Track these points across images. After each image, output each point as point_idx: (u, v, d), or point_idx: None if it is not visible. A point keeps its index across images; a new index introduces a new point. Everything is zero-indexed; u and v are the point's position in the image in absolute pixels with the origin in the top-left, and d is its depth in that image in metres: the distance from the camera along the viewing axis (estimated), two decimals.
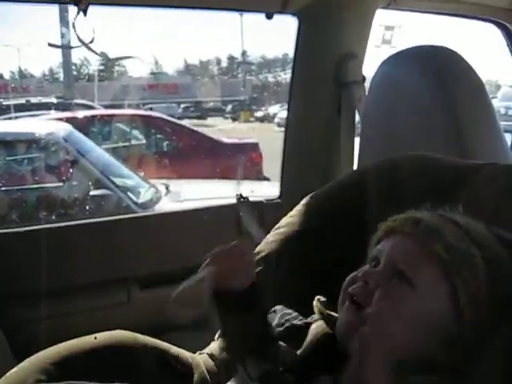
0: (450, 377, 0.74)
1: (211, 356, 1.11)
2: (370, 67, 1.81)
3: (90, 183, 2.94)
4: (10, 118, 4.04)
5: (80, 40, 1.34)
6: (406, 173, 1.09)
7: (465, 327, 0.76)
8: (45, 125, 3.40)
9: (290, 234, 1.13)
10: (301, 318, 0.92)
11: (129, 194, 2.89)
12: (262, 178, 4.00)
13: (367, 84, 1.79)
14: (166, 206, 2.68)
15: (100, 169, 2.95)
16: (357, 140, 1.78)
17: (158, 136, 4.61)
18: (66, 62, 5.09)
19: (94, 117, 4.26)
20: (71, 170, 3.01)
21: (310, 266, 1.08)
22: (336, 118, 1.83)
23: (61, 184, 3.04)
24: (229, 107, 7.88)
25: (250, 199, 1.77)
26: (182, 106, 7.47)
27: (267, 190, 2.12)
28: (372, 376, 0.74)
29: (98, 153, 3.31)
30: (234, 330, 0.87)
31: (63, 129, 3.16)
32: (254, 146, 4.53)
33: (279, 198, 1.83)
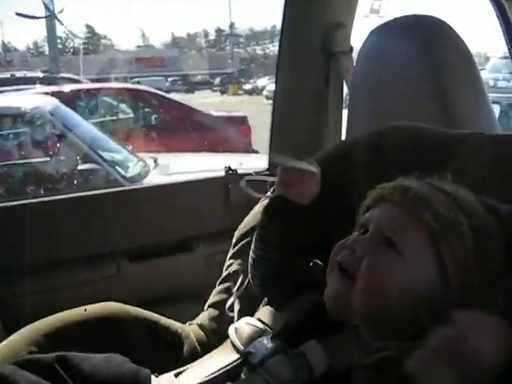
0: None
1: (201, 326, 1.12)
2: (358, 37, 1.80)
3: (77, 158, 2.92)
4: None
5: (47, 7, 1.32)
6: (394, 144, 1.09)
7: (452, 295, 0.77)
8: (30, 99, 3.36)
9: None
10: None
11: (117, 168, 2.87)
12: (251, 150, 3.99)
13: (355, 54, 1.78)
14: (154, 179, 2.67)
15: (87, 143, 2.93)
16: (345, 112, 1.78)
17: (146, 109, 4.58)
18: (51, 36, 5.01)
19: (80, 91, 4.21)
20: (58, 145, 2.98)
21: (298, 237, 1.09)
22: (324, 88, 1.82)
23: (48, 159, 3.02)
24: (217, 80, 7.81)
25: (239, 171, 1.78)
26: (170, 79, 7.39)
27: (256, 162, 2.11)
28: (360, 342, 0.76)
29: (86, 127, 3.28)
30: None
31: (49, 103, 3.13)
32: (243, 119, 4.51)
33: (268, 170, 1.83)
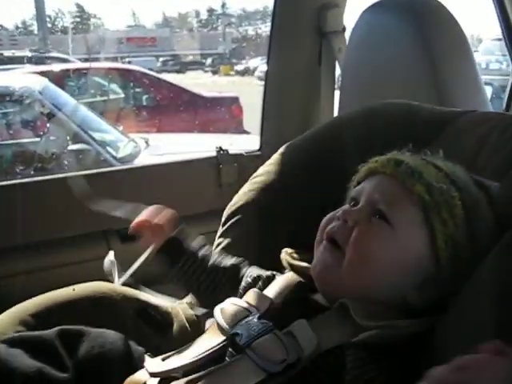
0: (424, 319, 0.76)
1: (190, 304, 1.12)
2: (350, 17, 1.78)
3: (67, 138, 2.90)
4: None
5: None
6: (386, 119, 1.09)
7: (441, 268, 0.77)
8: (19, 78, 3.31)
9: (267, 182, 1.13)
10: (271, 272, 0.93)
11: (107, 148, 2.86)
12: (243, 131, 3.98)
13: (348, 34, 1.77)
14: (145, 159, 2.66)
15: (78, 123, 2.90)
16: (337, 93, 1.77)
17: (137, 90, 4.54)
18: (40, 14, 4.94)
19: (70, 70, 4.16)
20: (48, 125, 2.95)
21: (288, 214, 1.09)
22: (316, 69, 1.81)
23: (38, 139, 2.99)
24: (208, 61, 7.75)
25: (230, 152, 1.77)
26: (161, 59, 7.33)
27: (247, 143, 2.10)
28: (348, 321, 0.76)
29: (76, 107, 3.25)
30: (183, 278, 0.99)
31: (38, 82, 3.09)
32: (234, 100, 4.49)
33: (259, 150, 1.82)
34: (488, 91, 2.42)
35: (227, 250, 1.08)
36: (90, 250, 1.59)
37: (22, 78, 3.31)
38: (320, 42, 1.79)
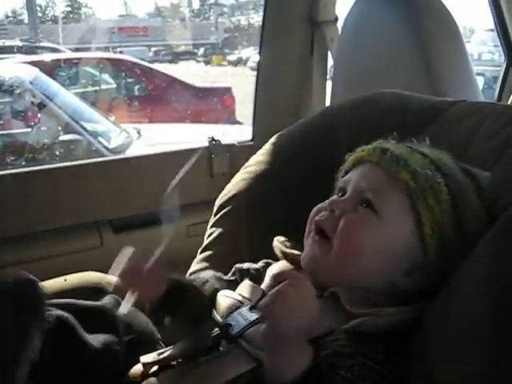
0: (414, 306, 0.77)
1: None
2: (343, 7, 1.77)
3: (59, 128, 2.88)
4: None
5: None
6: (378, 109, 1.09)
7: (429, 254, 0.78)
8: (9, 68, 3.28)
9: (259, 172, 1.13)
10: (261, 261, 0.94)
11: (99, 138, 2.84)
12: (235, 122, 3.97)
13: (340, 24, 1.76)
14: (137, 150, 2.65)
15: (69, 113, 2.88)
16: (329, 83, 1.77)
17: (129, 80, 4.51)
18: (30, 3, 4.89)
19: (62, 60, 4.12)
20: (39, 115, 2.93)
21: (280, 204, 1.09)
22: (308, 59, 1.80)
23: (29, 129, 2.97)
24: (201, 51, 7.70)
25: (222, 142, 1.77)
26: (153, 49, 7.28)
27: (240, 133, 2.10)
28: (338, 308, 0.76)
29: (67, 97, 3.23)
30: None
31: (29, 72, 3.06)
32: (227, 90, 4.47)
33: (252, 140, 1.82)
34: (480, 82, 2.42)
35: (219, 239, 1.08)
36: (82, 241, 1.59)
37: (13, 68, 3.27)
38: (312, 31, 1.79)
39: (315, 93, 1.82)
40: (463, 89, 1.46)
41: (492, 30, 2.23)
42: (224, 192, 1.16)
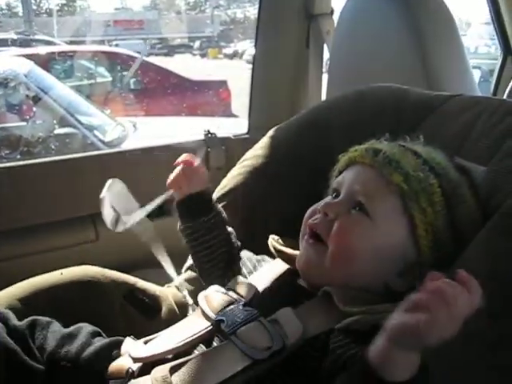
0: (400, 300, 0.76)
1: (179, 288, 1.12)
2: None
3: (54, 122, 2.86)
4: None
5: None
6: (374, 103, 1.09)
7: (423, 255, 0.78)
8: (4, 61, 3.26)
9: (256, 166, 1.13)
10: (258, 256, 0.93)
11: (95, 132, 2.83)
12: (231, 115, 3.96)
13: (336, 17, 1.76)
14: (133, 143, 2.64)
15: (64, 107, 2.87)
16: (325, 76, 1.76)
17: (124, 73, 4.49)
18: None
19: (57, 53, 4.10)
20: (34, 109, 2.92)
21: (276, 198, 1.08)
22: (304, 52, 1.80)
23: (24, 123, 2.96)
24: (196, 44, 7.68)
25: (218, 135, 1.76)
26: (149, 42, 7.25)
27: (235, 126, 2.09)
28: (332, 308, 0.76)
29: (62, 90, 3.21)
30: (198, 236, 0.96)
31: (24, 65, 3.04)
32: (223, 84, 4.46)
33: (247, 133, 1.82)
34: (476, 75, 2.42)
35: None
36: (77, 234, 1.59)
37: (7, 61, 3.25)
38: (308, 24, 1.78)
39: (311, 86, 1.82)
40: (460, 82, 1.46)
41: (488, 24, 2.23)
42: (220, 186, 1.15)
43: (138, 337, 0.89)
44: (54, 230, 1.54)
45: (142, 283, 1.09)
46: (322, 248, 0.80)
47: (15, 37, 4.45)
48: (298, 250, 0.85)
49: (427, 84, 1.34)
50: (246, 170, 1.13)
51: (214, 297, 0.83)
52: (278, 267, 0.88)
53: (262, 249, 0.94)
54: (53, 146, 2.72)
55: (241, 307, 0.80)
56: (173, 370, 0.73)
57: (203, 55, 7.57)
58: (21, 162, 1.63)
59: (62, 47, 4.51)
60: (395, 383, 0.56)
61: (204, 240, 0.96)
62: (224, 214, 1.00)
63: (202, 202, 0.97)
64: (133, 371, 0.78)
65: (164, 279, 1.19)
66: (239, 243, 0.99)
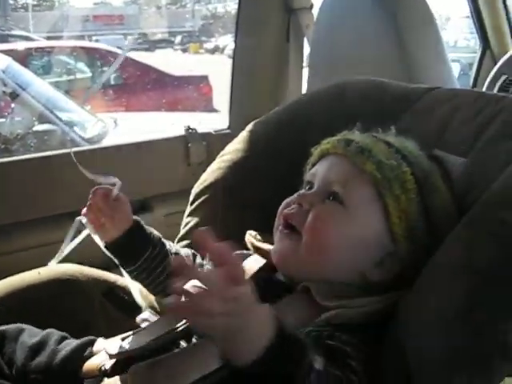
0: (387, 296, 0.77)
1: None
2: None
3: (33, 118, 2.83)
4: None
5: None
6: (353, 96, 1.09)
7: (397, 243, 0.78)
8: None
9: (235, 161, 1.12)
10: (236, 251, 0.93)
11: (75, 128, 2.80)
12: (212, 110, 3.95)
13: (315, 11, 1.75)
14: (113, 139, 2.62)
15: (43, 103, 2.83)
16: (306, 70, 1.76)
17: (105, 68, 4.45)
18: None
19: (35, 49, 4.05)
20: (12, 105, 2.88)
21: (256, 193, 1.08)
22: (284, 46, 1.79)
23: (2, 120, 2.92)
24: (177, 39, 7.63)
25: (199, 131, 1.75)
26: (129, 37, 7.19)
27: (217, 121, 2.09)
28: (311, 302, 0.76)
29: (41, 86, 3.17)
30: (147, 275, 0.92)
31: (1, 61, 3.00)
32: (204, 79, 4.44)
33: (228, 128, 1.81)
34: (456, 68, 2.44)
35: (196, 229, 1.07)
36: (57, 232, 1.55)
37: None
38: (288, 18, 1.78)
39: (291, 80, 1.82)
40: (438, 75, 1.47)
41: (468, 17, 2.25)
42: (200, 181, 1.15)
43: (118, 335, 0.88)
44: (33, 228, 1.52)
45: (122, 281, 1.08)
46: (297, 238, 0.80)
47: None
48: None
49: (406, 76, 1.35)
50: (225, 165, 1.12)
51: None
52: (255, 263, 0.87)
53: (241, 243, 0.93)
54: (32, 143, 2.69)
55: None
56: (151, 367, 0.73)
57: (184, 50, 7.52)
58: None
59: (41, 43, 4.45)
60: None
61: (156, 275, 0.92)
62: (156, 234, 0.94)
63: (139, 238, 0.91)
64: (105, 369, 0.78)
65: None
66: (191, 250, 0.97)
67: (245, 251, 0.93)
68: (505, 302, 0.66)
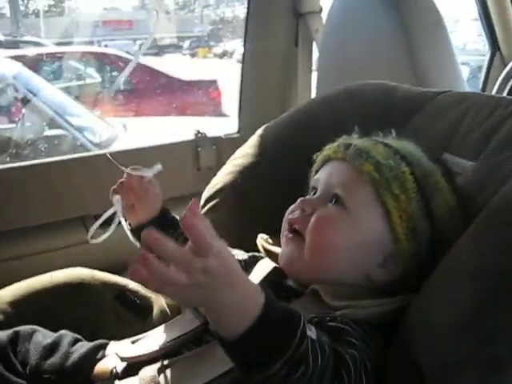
0: (396, 298, 0.77)
1: None
2: None
3: (44, 123, 2.85)
4: None
5: None
6: (363, 100, 1.09)
7: (399, 242, 0.79)
8: None
9: (246, 165, 1.13)
10: (248, 254, 0.93)
11: (85, 133, 2.82)
12: (221, 114, 3.96)
13: (324, 15, 1.76)
14: (123, 144, 2.63)
15: (54, 108, 2.85)
16: (315, 74, 1.76)
17: (114, 73, 4.47)
18: None
19: (46, 55, 4.07)
20: (23, 111, 2.90)
21: (266, 197, 1.08)
22: (293, 50, 1.80)
23: (13, 125, 2.94)
24: (186, 43, 7.65)
25: (208, 135, 1.76)
26: (138, 42, 7.22)
27: (226, 126, 2.09)
28: (320, 303, 0.76)
29: (52, 92, 3.19)
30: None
31: (12, 67, 3.02)
32: (213, 83, 4.45)
33: (237, 132, 1.82)
34: (465, 71, 2.43)
35: None
36: (67, 237, 1.57)
37: None
38: (297, 23, 1.78)
39: (301, 84, 1.82)
40: (448, 79, 1.46)
41: (476, 20, 2.24)
42: (210, 185, 1.15)
43: (129, 338, 0.89)
44: (44, 233, 1.53)
45: (133, 284, 1.09)
46: (301, 242, 0.81)
47: (2, 38, 4.41)
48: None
49: (416, 80, 1.35)
50: (236, 169, 1.13)
51: None
52: (266, 267, 0.88)
53: (252, 247, 0.93)
54: (42, 148, 2.70)
55: None
56: (161, 370, 0.73)
57: (193, 55, 7.55)
58: (10, 165, 1.62)
59: (51, 48, 4.48)
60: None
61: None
62: None
63: (166, 225, 0.92)
64: (117, 372, 0.78)
65: None
66: None
67: (256, 253, 0.93)
68: None
